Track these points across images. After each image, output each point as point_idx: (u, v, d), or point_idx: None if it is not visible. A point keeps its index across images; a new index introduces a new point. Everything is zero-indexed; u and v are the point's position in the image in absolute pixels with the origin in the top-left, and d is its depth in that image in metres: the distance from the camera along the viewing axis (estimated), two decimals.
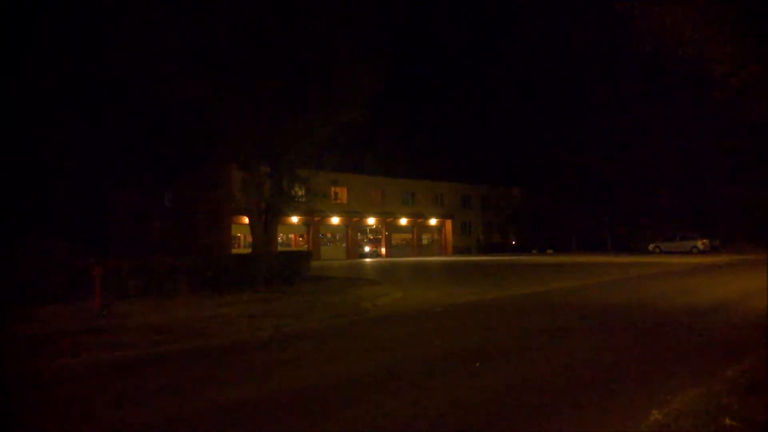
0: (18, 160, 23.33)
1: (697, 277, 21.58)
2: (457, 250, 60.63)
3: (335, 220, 50.64)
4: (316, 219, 48.11)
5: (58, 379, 7.29)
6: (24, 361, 8.13)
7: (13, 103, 19.99)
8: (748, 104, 9.09)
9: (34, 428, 5.40)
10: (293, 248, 47.81)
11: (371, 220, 54.44)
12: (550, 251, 59.29)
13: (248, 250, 30.08)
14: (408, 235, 59.61)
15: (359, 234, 55.47)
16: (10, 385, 7.12)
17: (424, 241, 61.07)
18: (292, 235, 51.10)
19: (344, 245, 53.64)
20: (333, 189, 47.20)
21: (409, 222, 57.43)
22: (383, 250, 56.19)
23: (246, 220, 23.58)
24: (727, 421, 4.77)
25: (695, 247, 45.41)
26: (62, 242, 17.22)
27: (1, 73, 18.94)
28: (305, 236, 50.55)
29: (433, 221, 59.96)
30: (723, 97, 8.94)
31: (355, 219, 52.65)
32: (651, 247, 48.80)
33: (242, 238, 45.42)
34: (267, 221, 21.50)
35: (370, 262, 44.42)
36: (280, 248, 41.92)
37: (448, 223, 61.39)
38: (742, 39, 8.09)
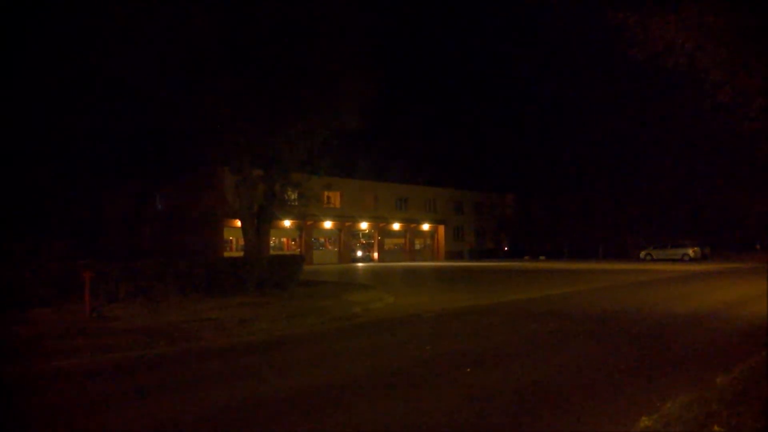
0: (10, 163, 23.20)
1: (688, 285, 21.68)
2: (450, 256, 60.66)
3: (328, 225, 50.55)
4: (308, 223, 48.00)
5: (48, 382, 7.24)
6: (14, 364, 8.07)
7: (3, 104, 19.88)
8: (739, 113, 9.16)
9: (23, 430, 5.36)
10: (286, 252, 47.66)
11: (364, 225, 54.41)
12: (542, 258, 59.39)
13: (240, 254, 29.98)
14: (401, 240, 59.61)
15: (352, 238, 55.43)
16: (0, 387, 7.09)
17: (417, 246, 61.08)
18: (284, 239, 50.98)
19: (337, 249, 53.55)
20: (326, 193, 47.14)
21: (401, 227, 57.41)
22: (376, 255, 56.16)
23: (238, 223, 23.53)
24: (716, 428, 4.79)
25: (686, 254, 45.61)
26: (54, 245, 17.14)
27: None
28: (298, 240, 50.43)
29: (425, 226, 59.97)
30: (715, 107, 8.99)
31: (348, 223, 52.58)
32: (642, 254, 48.98)
33: (234, 242, 45.26)
34: (259, 225, 21.44)
35: (363, 266, 44.39)
36: (272, 252, 41.78)
37: (441, 229, 61.41)
38: (733, 48, 8.16)
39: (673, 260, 44.99)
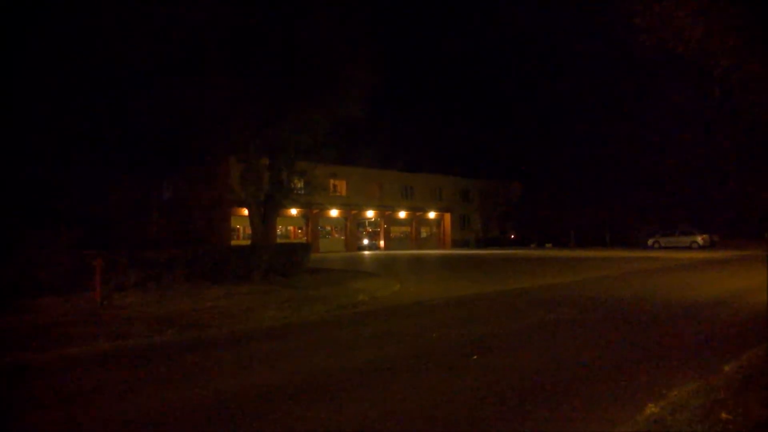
0: (18, 152, 23.30)
1: (697, 272, 21.62)
2: (456, 244, 60.66)
3: (334, 213, 50.63)
4: (314, 211, 48.07)
5: (61, 369, 7.31)
6: (27, 351, 8.15)
7: (13, 94, 19.93)
8: (749, 100, 9.09)
9: (34, 417, 5.42)
10: (292, 240, 47.82)
11: (370, 213, 54.44)
12: (548, 246, 59.33)
13: (248, 242, 30.05)
14: (407, 228, 59.63)
15: (358, 227, 55.50)
16: (11, 374, 7.15)
17: (423, 235, 61.09)
18: (291, 228, 51.12)
19: (343, 238, 53.65)
20: (332, 182, 47.21)
21: (407, 215, 57.41)
22: (382, 243, 56.22)
23: (245, 211, 23.61)
24: (723, 416, 4.79)
25: (695, 242, 45.41)
26: (62, 234, 17.22)
27: (4, 61, 18.87)
28: (304, 228, 50.55)
29: (431, 215, 59.94)
30: (723, 94, 8.93)
31: (354, 212, 52.64)
32: (650, 242, 48.81)
33: (241, 230, 45.43)
34: (266, 213, 21.51)
35: (369, 254, 44.45)
36: (279, 240, 41.91)
37: (447, 217, 61.36)
38: (745, 33, 8.08)
39: (682, 248, 44.81)
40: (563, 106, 66.79)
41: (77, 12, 16.80)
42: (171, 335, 9.37)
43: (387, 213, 55.32)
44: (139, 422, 5.16)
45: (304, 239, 48.40)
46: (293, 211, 44.86)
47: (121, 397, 5.88)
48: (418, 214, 58.30)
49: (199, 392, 5.99)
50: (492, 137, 76.42)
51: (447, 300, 13.78)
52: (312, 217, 49.19)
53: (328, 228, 53.89)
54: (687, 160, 53.54)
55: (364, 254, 45.18)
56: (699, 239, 45.46)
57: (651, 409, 5.07)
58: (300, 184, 23.67)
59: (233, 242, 41.59)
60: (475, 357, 7.34)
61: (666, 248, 45.78)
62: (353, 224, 53.91)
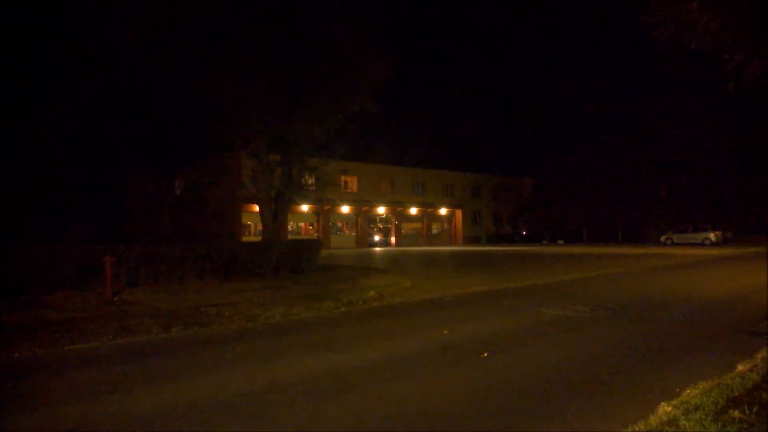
0: (31, 147, 23.47)
1: (709, 269, 21.42)
2: (467, 240, 60.52)
3: (345, 209, 50.64)
4: (326, 208, 48.14)
5: (69, 365, 7.35)
6: (37, 346, 8.20)
7: (26, 90, 20.07)
8: (764, 95, 8.95)
9: (42, 412, 5.44)
10: (303, 236, 47.90)
11: (381, 210, 54.41)
12: (560, 242, 59.02)
13: (259, 238, 30.14)
14: (418, 225, 59.56)
15: (369, 223, 55.50)
16: (21, 369, 7.20)
17: (434, 231, 61.00)
18: (302, 224, 51.21)
19: (354, 234, 53.68)
20: (343, 178, 47.20)
21: (419, 211, 57.33)
22: (393, 240, 56.20)
23: (256, 208, 23.65)
24: (737, 415, 4.73)
25: (708, 238, 45.01)
26: (75, 230, 17.34)
27: (17, 59, 19.01)
28: (315, 225, 50.63)
29: (443, 211, 59.83)
30: (737, 89, 8.79)
31: (365, 208, 52.63)
32: (663, 238, 48.44)
33: (253, 226, 45.57)
34: (277, 209, 21.53)
35: (380, 251, 44.44)
36: (290, 236, 42.01)
37: (458, 213, 61.23)
38: (760, 26, 7.96)
39: (694, 244, 44.44)
40: (576, 102, 66.39)
41: (86, 7, 16.83)
42: (181, 331, 9.40)
43: (398, 209, 55.26)
44: (145, 418, 5.17)
45: (315, 235, 48.48)
46: (304, 208, 44.99)
47: (128, 393, 5.89)
48: (429, 210, 58.20)
49: (205, 390, 6.00)
50: (504, 133, 76.16)
51: (458, 297, 13.73)
52: (323, 213, 49.25)
53: (339, 224, 53.93)
54: (698, 155, 53.07)
55: (374, 250, 45.16)
56: (711, 236, 45.07)
57: (664, 408, 5.01)
58: (311, 181, 23.70)
59: (244, 238, 41.74)
60: (485, 355, 7.29)
61: (678, 245, 45.42)
62: (364, 220, 53.90)
